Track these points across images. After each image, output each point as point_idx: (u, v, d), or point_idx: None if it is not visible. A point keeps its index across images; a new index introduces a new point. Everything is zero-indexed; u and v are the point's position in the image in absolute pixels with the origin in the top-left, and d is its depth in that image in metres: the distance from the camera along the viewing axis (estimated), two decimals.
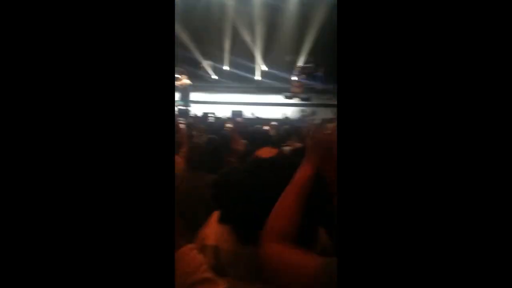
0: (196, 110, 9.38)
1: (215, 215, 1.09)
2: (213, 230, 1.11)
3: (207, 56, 13.42)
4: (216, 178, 1.08)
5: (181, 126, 3.92)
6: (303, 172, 0.90)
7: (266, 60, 13.32)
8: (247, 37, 13.02)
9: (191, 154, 2.28)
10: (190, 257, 0.74)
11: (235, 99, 11.34)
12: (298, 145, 3.57)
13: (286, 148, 3.23)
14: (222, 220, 1.05)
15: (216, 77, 13.46)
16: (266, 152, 1.29)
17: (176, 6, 11.79)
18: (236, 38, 13.13)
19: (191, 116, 7.72)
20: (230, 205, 0.99)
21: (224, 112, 8.79)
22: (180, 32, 12.61)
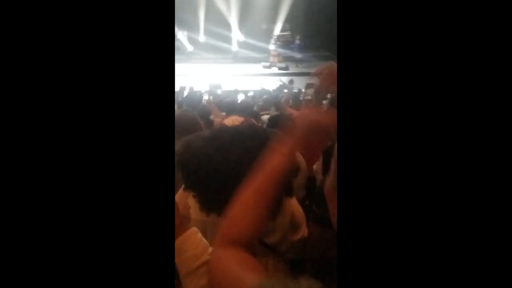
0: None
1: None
2: (180, 198, 1.12)
3: (182, 27, 13.01)
4: (179, 144, 1.06)
5: None
6: (276, 160, 0.71)
7: (242, 30, 13.04)
8: (222, 6, 12.64)
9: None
10: (195, 240, 0.74)
11: (212, 71, 11.16)
12: (274, 113, 3.60)
13: (263, 117, 3.26)
14: (185, 188, 1.03)
15: (192, 49, 13.14)
16: (231, 121, 1.30)
17: None
18: (211, 7, 12.74)
19: None
20: (191, 172, 0.98)
21: (202, 85, 8.68)
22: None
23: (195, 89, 7.62)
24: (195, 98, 5.46)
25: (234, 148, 0.97)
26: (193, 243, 0.74)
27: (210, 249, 0.72)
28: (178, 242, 0.73)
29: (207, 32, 13.06)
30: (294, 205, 1.16)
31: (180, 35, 12.97)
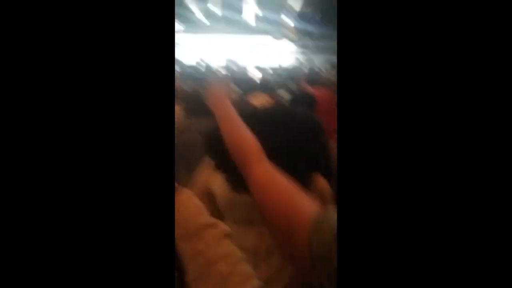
0: (188, 58, 9.15)
1: (212, 163, 1.11)
2: (210, 177, 1.13)
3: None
4: (210, 127, 1.05)
5: (176, 74, 3.86)
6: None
7: (260, 3, 12.75)
8: None
9: (188, 102, 2.28)
10: (190, 203, 0.73)
11: (228, 44, 11.03)
12: (295, 91, 3.55)
13: (281, 95, 3.22)
14: (218, 167, 1.04)
15: (208, 22, 12.95)
16: (259, 101, 1.29)
17: None
18: None
19: (185, 65, 7.54)
20: (224, 154, 0.98)
21: (217, 59, 8.58)
22: None
23: (210, 63, 7.55)
24: (210, 73, 5.40)
25: (266, 130, 0.96)
26: (188, 207, 0.72)
27: (207, 214, 0.72)
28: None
29: (224, 5, 12.84)
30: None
31: (196, 7, 12.78)
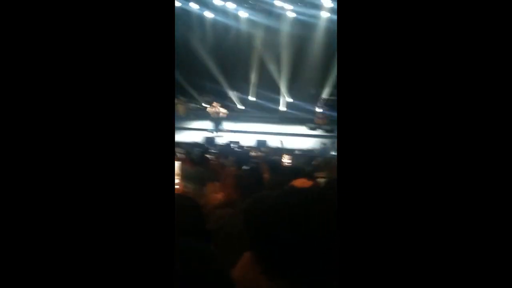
0: (222, 139, 9.62)
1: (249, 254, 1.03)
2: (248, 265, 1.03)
3: (234, 87, 13.87)
4: (248, 203, 1.06)
5: (212, 156, 4.06)
6: None
7: (290, 92, 13.59)
8: (273, 69, 13.40)
9: (228, 183, 2.35)
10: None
11: (260, 129, 11.55)
12: (330, 177, 3.61)
13: (320, 180, 3.28)
14: (251, 248, 0.99)
15: (242, 107, 13.79)
16: (300, 183, 1.32)
17: (205, 38, 12.32)
18: (263, 70, 13.54)
19: (218, 145, 7.92)
20: (260, 231, 0.97)
21: (248, 141, 8.95)
22: (209, 64, 13.17)
23: (242, 144, 7.89)
24: (242, 154, 5.64)
25: (303, 210, 0.97)
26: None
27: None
28: None
29: (257, 94, 13.75)
30: None
31: (232, 94, 13.78)
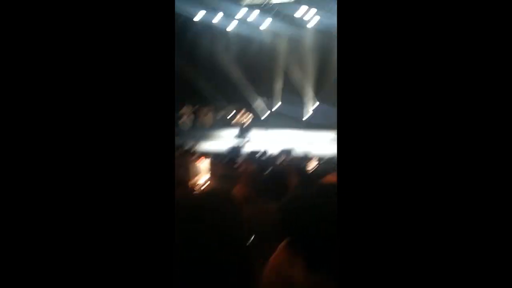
0: (248, 147, 9.75)
1: (285, 242, 1.01)
2: (285, 257, 1.01)
3: (259, 95, 14.06)
4: (284, 202, 1.04)
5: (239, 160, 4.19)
6: None
7: (317, 98, 13.61)
8: (298, 77, 13.50)
9: (253, 182, 2.40)
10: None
11: (285, 136, 11.62)
12: None
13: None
14: (292, 247, 0.96)
15: (267, 115, 13.93)
16: (334, 177, 1.27)
17: (230, 48, 12.53)
18: (288, 78, 13.66)
19: (245, 152, 8.05)
20: (300, 230, 0.94)
21: (274, 149, 9.03)
22: (235, 72, 13.46)
23: (268, 152, 7.94)
24: (268, 161, 5.70)
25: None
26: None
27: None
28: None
29: (283, 101, 13.85)
30: None
31: (258, 102, 13.96)
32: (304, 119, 13.63)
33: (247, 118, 11.39)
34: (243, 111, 11.56)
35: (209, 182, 2.62)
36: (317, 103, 13.55)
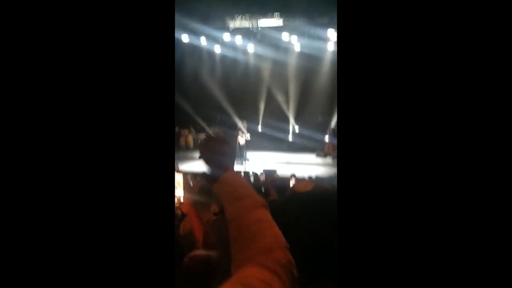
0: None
1: None
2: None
3: (243, 118, 14.13)
4: (283, 200, 1.10)
5: None
6: None
7: (299, 121, 13.76)
8: (281, 99, 13.67)
9: None
10: (233, 178, 0.76)
11: (269, 158, 11.61)
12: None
13: (323, 182, 3.31)
14: None
15: (249, 138, 13.98)
16: (303, 186, 1.35)
17: (215, 72, 12.78)
18: (271, 101, 13.82)
19: None
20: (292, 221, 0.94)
21: (257, 170, 9.00)
22: (219, 97, 13.53)
23: (251, 173, 7.92)
24: (253, 179, 5.67)
25: (307, 211, 1.00)
26: (232, 180, 0.77)
27: (248, 187, 0.75)
28: (218, 182, 0.77)
29: (265, 123, 13.95)
30: None
31: (240, 125, 14.02)
32: (288, 140, 13.69)
33: (243, 138, 11.39)
34: (240, 132, 11.57)
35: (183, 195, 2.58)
36: (301, 125, 13.68)
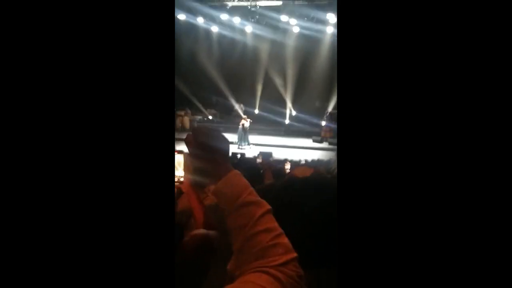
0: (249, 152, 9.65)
1: None
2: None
3: (240, 101, 14.00)
4: (282, 182, 1.10)
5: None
6: None
7: (296, 105, 13.67)
8: (278, 82, 13.53)
9: None
10: (236, 181, 0.74)
11: (266, 141, 11.58)
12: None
13: (322, 168, 3.30)
14: None
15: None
16: (301, 171, 1.32)
17: (212, 52, 12.61)
18: (268, 83, 13.68)
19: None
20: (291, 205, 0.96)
21: (254, 153, 8.98)
22: (216, 78, 13.34)
23: (247, 155, 7.91)
24: (248, 162, 5.64)
25: (305, 197, 0.98)
26: (232, 184, 0.74)
27: (250, 189, 0.73)
28: (218, 184, 0.74)
29: (262, 106, 13.86)
30: None
31: (237, 107, 13.90)
32: (285, 124, 13.63)
33: (247, 122, 11.33)
34: (245, 117, 11.52)
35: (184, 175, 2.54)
36: (299, 109, 13.60)
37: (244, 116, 11.54)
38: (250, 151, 9.19)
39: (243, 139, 11.14)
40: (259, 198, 0.72)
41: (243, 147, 10.80)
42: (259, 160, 5.80)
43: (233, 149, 9.83)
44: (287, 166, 5.39)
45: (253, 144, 11.19)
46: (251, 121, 11.55)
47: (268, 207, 0.70)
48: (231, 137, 11.64)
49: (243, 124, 11.24)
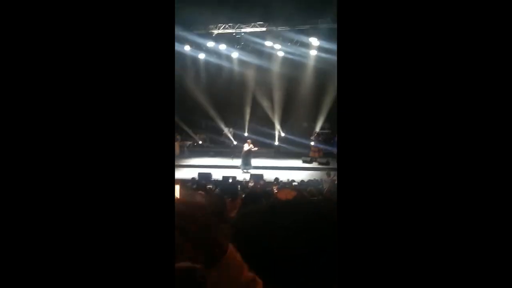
0: (216, 174, 9.68)
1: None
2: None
3: (229, 124, 14.15)
4: (236, 218, 1.10)
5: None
6: None
7: (284, 127, 13.88)
8: (266, 106, 13.77)
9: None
10: (234, 261, 0.73)
11: (256, 164, 11.66)
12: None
13: (313, 189, 3.33)
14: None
15: (236, 143, 14.01)
16: (284, 194, 1.37)
17: (200, 78, 12.66)
18: (256, 106, 13.90)
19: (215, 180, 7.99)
20: (248, 244, 0.93)
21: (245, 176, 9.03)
22: (204, 103, 13.53)
23: (237, 179, 7.96)
24: (239, 185, 5.71)
25: (290, 220, 0.95)
26: (231, 264, 0.73)
27: (247, 271, 0.73)
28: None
29: (251, 129, 14.01)
30: None
31: (226, 131, 14.03)
32: (274, 145, 13.76)
33: (250, 146, 11.37)
34: (249, 140, 11.57)
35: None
36: (285, 132, 13.79)
37: (248, 141, 11.57)
38: (242, 175, 9.26)
39: (246, 163, 11.18)
40: (253, 275, 0.71)
41: (248, 171, 10.80)
42: (251, 184, 5.89)
43: (237, 172, 9.90)
44: (275, 188, 5.47)
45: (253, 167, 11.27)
46: (257, 148, 11.51)
47: (260, 282, 0.70)
48: (222, 161, 11.72)
49: (250, 148, 11.27)
